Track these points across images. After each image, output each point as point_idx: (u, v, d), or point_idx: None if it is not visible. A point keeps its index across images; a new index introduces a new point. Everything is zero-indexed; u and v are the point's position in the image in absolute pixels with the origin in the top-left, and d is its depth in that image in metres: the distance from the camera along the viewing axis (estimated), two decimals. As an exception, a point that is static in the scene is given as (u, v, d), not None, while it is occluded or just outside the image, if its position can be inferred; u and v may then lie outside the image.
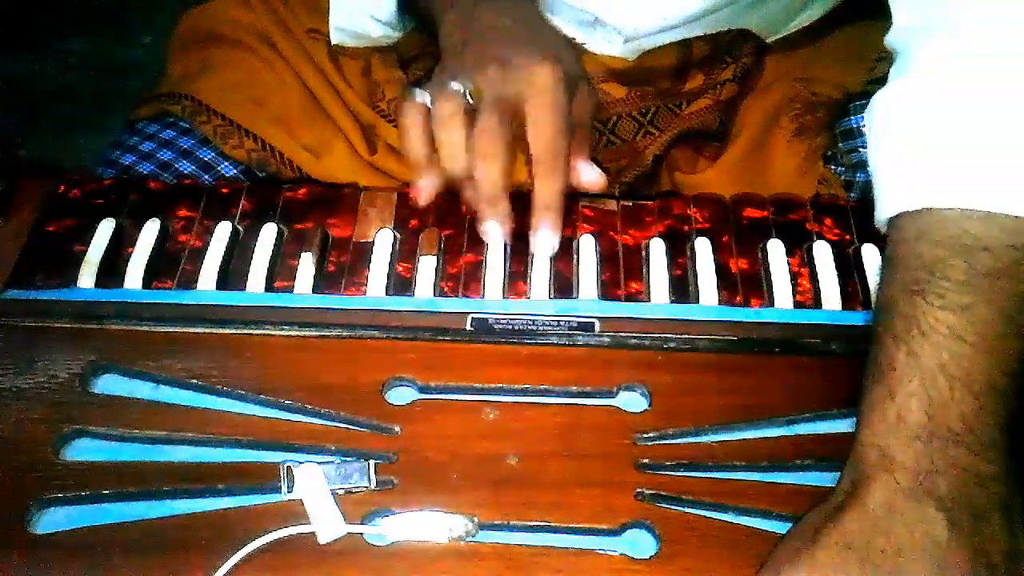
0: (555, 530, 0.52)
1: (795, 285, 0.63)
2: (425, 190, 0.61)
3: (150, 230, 0.65)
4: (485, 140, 0.58)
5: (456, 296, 0.62)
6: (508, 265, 0.64)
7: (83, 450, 0.56)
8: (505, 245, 0.64)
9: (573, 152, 0.61)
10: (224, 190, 0.68)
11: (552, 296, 0.62)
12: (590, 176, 0.63)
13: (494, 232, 0.61)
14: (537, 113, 0.59)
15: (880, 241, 0.56)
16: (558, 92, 0.59)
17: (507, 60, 0.60)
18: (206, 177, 0.77)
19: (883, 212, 0.55)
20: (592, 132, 0.67)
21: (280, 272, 0.64)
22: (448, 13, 0.68)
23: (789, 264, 0.63)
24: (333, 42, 0.78)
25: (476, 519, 0.52)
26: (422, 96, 0.60)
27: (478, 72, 0.60)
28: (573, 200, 0.67)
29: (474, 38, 0.64)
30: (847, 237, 0.65)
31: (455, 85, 0.59)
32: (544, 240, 0.61)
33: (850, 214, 0.66)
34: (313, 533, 0.51)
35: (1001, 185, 0.51)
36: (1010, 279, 0.50)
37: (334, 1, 0.75)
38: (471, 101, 0.59)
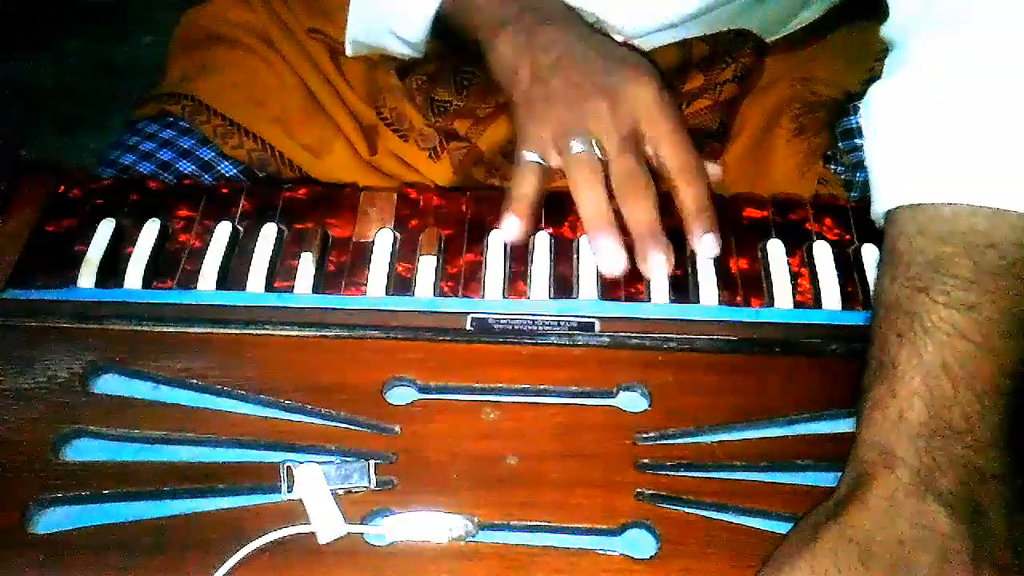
0: (555, 530, 0.52)
1: (795, 285, 0.63)
2: (514, 226, 0.62)
3: (150, 230, 0.65)
4: (629, 185, 0.60)
5: (456, 296, 0.62)
6: (508, 265, 0.64)
7: (83, 450, 0.56)
8: (505, 245, 0.64)
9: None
10: (224, 190, 0.68)
11: (552, 296, 0.62)
12: (714, 172, 0.65)
13: (661, 266, 0.60)
14: (659, 130, 0.61)
15: (881, 241, 0.56)
16: (666, 102, 0.62)
17: (606, 90, 0.62)
18: (206, 177, 0.77)
19: (881, 205, 0.55)
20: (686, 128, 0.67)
21: (280, 272, 0.64)
22: (498, 41, 0.66)
23: (789, 264, 0.63)
24: (348, 54, 0.77)
25: (476, 519, 0.52)
26: (531, 155, 0.62)
27: (588, 117, 0.61)
28: (573, 200, 0.67)
29: (552, 73, 0.64)
30: (847, 237, 0.65)
31: (579, 146, 0.61)
32: (707, 243, 0.62)
33: (850, 214, 0.66)
34: (313, 533, 0.51)
35: (1009, 182, 0.50)
36: (1016, 278, 0.50)
37: (354, 15, 0.74)
38: (602, 157, 0.61)
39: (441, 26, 0.71)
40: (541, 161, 0.62)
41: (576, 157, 0.61)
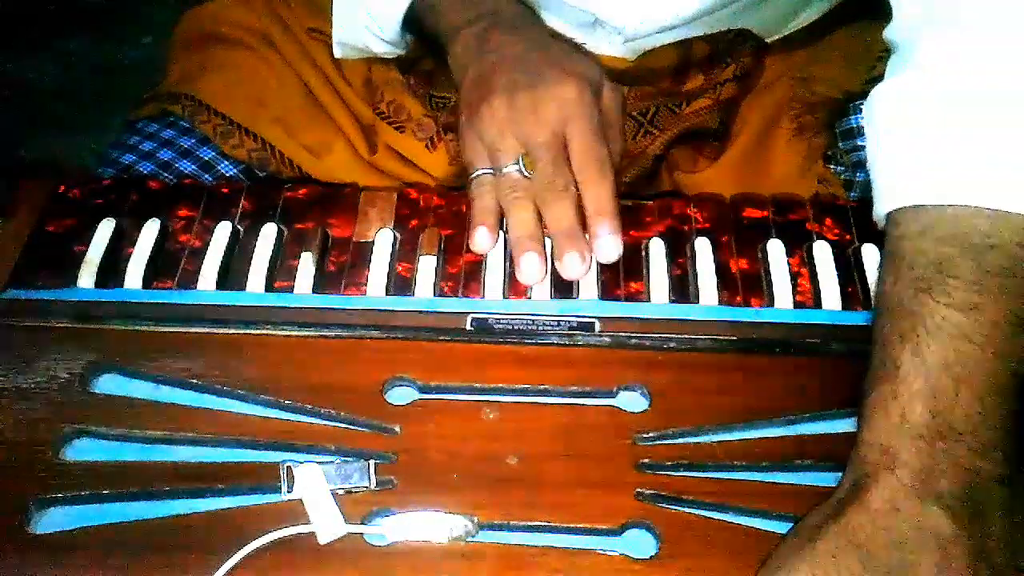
0: (555, 530, 0.52)
1: (795, 285, 0.63)
2: (485, 241, 0.63)
3: (150, 230, 0.65)
4: (547, 193, 0.62)
5: (456, 296, 0.62)
6: (508, 265, 0.64)
7: (83, 450, 0.56)
8: (505, 245, 0.64)
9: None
10: (224, 190, 0.68)
11: (552, 296, 0.62)
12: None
13: (575, 266, 0.61)
14: (572, 129, 0.62)
15: (881, 241, 0.56)
16: (583, 102, 0.62)
17: (530, 87, 0.63)
18: (206, 177, 0.77)
19: (883, 206, 0.55)
20: (624, 127, 0.69)
21: (280, 272, 0.64)
22: (455, 43, 0.68)
23: (789, 264, 0.63)
24: (336, 56, 0.78)
25: (476, 519, 0.52)
26: (484, 172, 0.64)
27: (515, 124, 0.63)
28: None
29: (488, 70, 0.65)
30: (847, 237, 0.65)
31: (508, 168, 0.63)
32: (606, 245, 0.62)
33: (850, 214, 0.66)
34: (313, 533, 0.51)
35: (1011, 183, 0.50)
36: (1018, 279, 0.49)
37: (336, 17, 0.75)
38: (527, 174, 0.62)
39: (415, 27, 0.73)
40: (490, 172, 0.64)
41: (504, 178, 0.63)
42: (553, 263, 0.62)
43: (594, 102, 0.63)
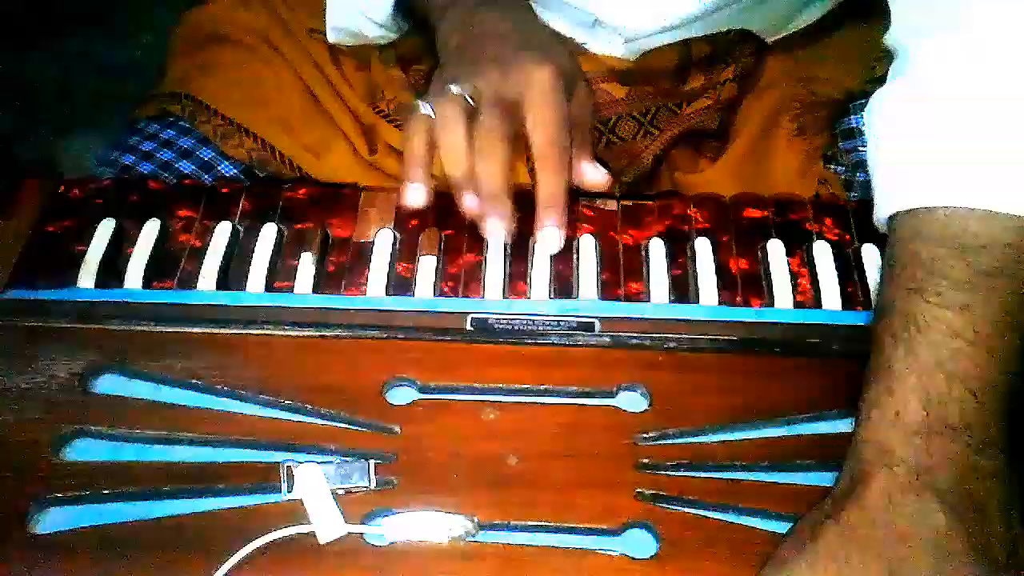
0: (555, 530, 0.52)
1: (795, 285, 0.63)
2: (415, 193, 0.60)
3: (150, 230, 0.65)
4: (485, 139, 0.58)
5: (456, 296, 0.62)
6: (508, 265, 0.64)
7: (83, 450, 0.56)
8: (506, 245, 0.64)
9: (575, 152, 0.62)
10: (224, 190, 0.68)
11: (552, 296, 0.62)
12: (594, 176, 0.63)
13: (496, 230, 0.60)
14: (536, 111, 0.59)
15: (880, 241, 0.56)
16: (556, 91, 0.60)
17: (505, 62, 0.61)
18: (206, 177, 0.77)
19: (882, 211, 0.56)
20: (592, 132, 0.67)
21: (280, 272, 0.64)
22: (445, 18, 0.68)
23: (789, 264, 0.63)
24: (330, 40, 0.78)
25: (476, 519, 0.52)
26: (425, 108, 0.60)
27: (477, 74, 0.61)
28: (573, 200, 0.67)
29: (472, 42, 0.64)
30: (847, 237, 0.65)
31: (455, 88, 0.59)
32: (549, 237, 0.61)
33: (850, 214, 0.66)
34: (313, 533, 0.51)
35: (1001, 184, 0.51)
36: (1008, 278, 0.50)
37: (330, 1, 0.75)
38: (472, 103, 0.59)
39: (408, 9, 0.73)
40: (430, 112, 0.60)
41: (446, 96, 0.59)
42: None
43: (563, 92, 0.61)
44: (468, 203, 0.61)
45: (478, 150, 0.58)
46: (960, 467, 0.48)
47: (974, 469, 0.48)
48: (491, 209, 0.60)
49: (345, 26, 0.76)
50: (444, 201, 0.67)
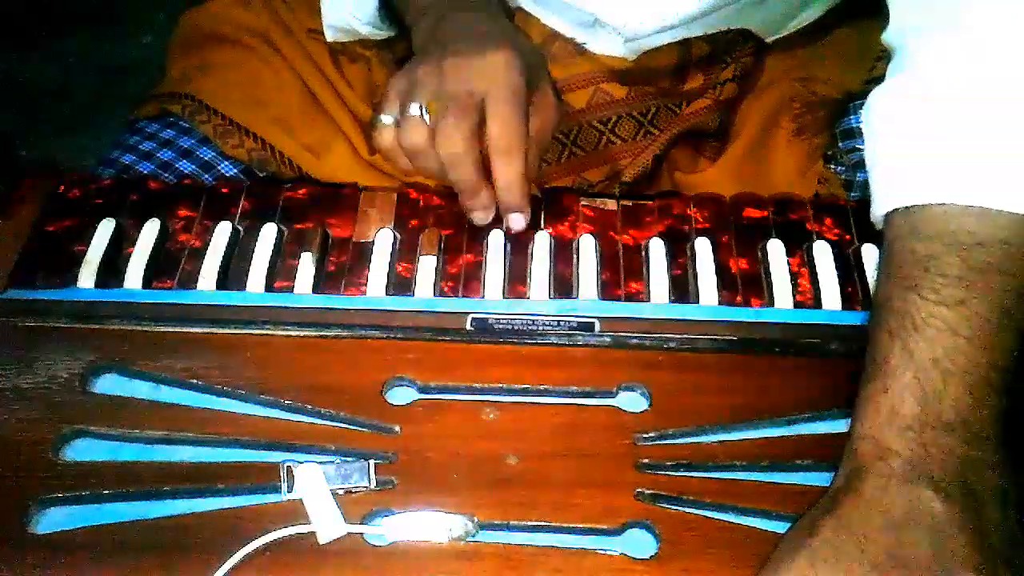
0: (555, 530, 0.52)
1: (795, 285, 0.63)
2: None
3: (150, 230, 0.65)
4: (445, 145, 0.61)
5: (456, 296, 0.62)
6: (508, 265, 0.64)
7: (83, 450, 0.56)
8: (505, 244, 0.64)
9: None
10: (224, 190, 0.68)
11: (552, 296, 0.62)
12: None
13: (482, 219, 0.65)
14: (492, 98, 0.61)
15: (880, 241, 0.56)
16: (511, 75, 0.62)
17: (464, 56, 0.63)
18: (206, 177, 0.77)
19: (879, 209, 0.56)
20: (549, 144, 0.69)
21: (280, 272, 0.64)
22: (419, 23, 0.69)
23: (789, 264, 0.63)
24: (328, 39, 0.78)
25: (476, 519, 0.52)
26: (388, 119, 0.64)
27: (432, 79, 0.63)
28: (574, 200, 0.68)
29: (436, 43, 0.65)
30: (847, 237, 0.65)
31: (413, 109, 0.62)
32: (513, 221, 0.65)
33: (850, 214, 0.66)
34: (313, 533, 0.51)
35: (996, 182, 0.51)
36: (1004, 274, 0.50)
37: (324, 2, 0.76)
38: (428, 121, 0.62)
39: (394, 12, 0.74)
40: (392, 118, 0.64)
41: (407, 121, 0.63)
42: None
43: (523, 75, 0.62)
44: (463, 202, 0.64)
45: (443, 158, 0.61)
46: (955, 460, 0.48)
47: (969, 462, 0.48)
48: (473, 203, 0.64)
49: (338, 24, 0.77)
50: (444, 201, 0.67)
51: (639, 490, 0.53)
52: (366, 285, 0.63)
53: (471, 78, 0.61)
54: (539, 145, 0.65)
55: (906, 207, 0.53)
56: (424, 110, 0.62)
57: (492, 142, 0.61)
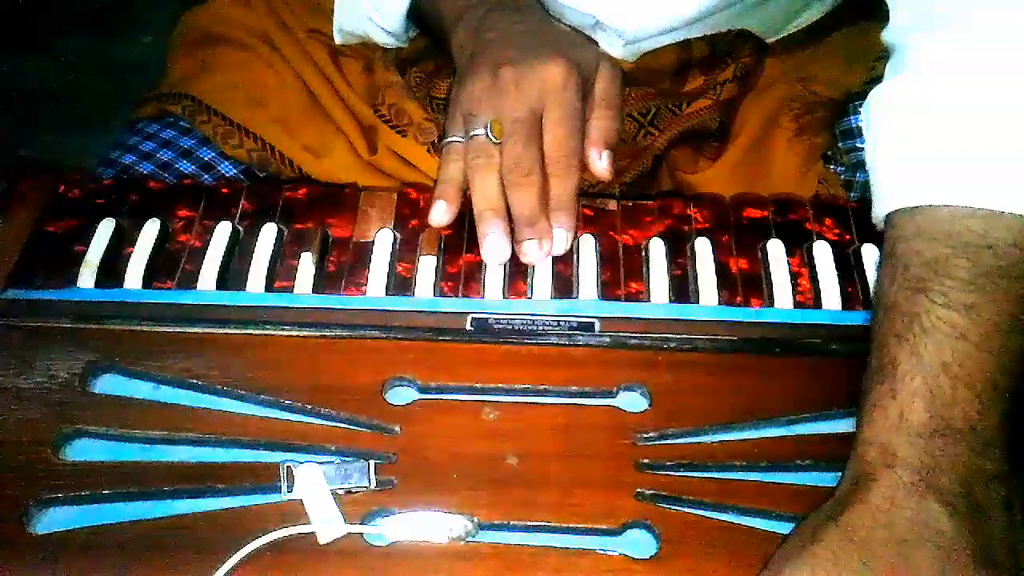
0: (555, 530, 0.52)
1: (795, 285, 0.63)
2: (441, 210, 0.64)
3: (150, 230, 0.65)
4: (514, 171, 0.61)
5: (456, 296, 0.62)
6: (508, 265, 0.64)
7: (83, 450, 0.56)
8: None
9: (594, 136, 0.64)
10: (224, 190, 0.68)
11: (552, 296, 0.62)
12: (596, 166, 0.65)
13: (534, 253, 0.63)
14: (550, 116, 0.62)
15: (881, 241, 0.56)
16: (568, 91, 0.62)
17: (518, 70, 0.63)
18: (206, 177, 0.77)
19: (881, 208, 0.55)
20: (621, 108, 0.68)
21: (280, 272, 0.64)
22: (458, 27, 0.69)
23: (789, 264, 0.63)
24: (337, 42, 0.78)
25: (476, 519, 0.52)
26: (453, 137, 0.65)
27: (493, 101, 0.63)
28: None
29: (485, 49, 0.65)
30: (847, 237, 0.65)
31: (479, 132, 0.62)
32: (558, 238, 0.63)
33: (850, 214, 0.66)
34: (313, 533, 0.51)
35: (1004, 183, 0.51)
36: (1013, 278, 0.50)
37: (338, 6, 0.76)
38: (496, 141, 0.62)
39: (418, 17, 0.74)
40: (460, 140, 0.64)
41: (472, 142, 0.63)
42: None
43: (579, 89, 0.63)
44: (491, 239, 0.63)
45: (508, 184, 0.62)
46: (963, 469, 0.48)
47: (977, 471, 0.48)
48: (530, 232, 0.62)
49: (352, 30, 0.76)
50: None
51: (639, 490, 0.53)
52: (366, 285, 0.63)
53: (529, 95, 0.62)
54: (605, 140, 0.65)
55: (910, 207, 0.53)
56: (489, 130, 0.62)
57: (549, 156, 0.62)
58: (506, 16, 0.67)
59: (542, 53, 0.63)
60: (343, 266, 0.64)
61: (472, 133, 0.63)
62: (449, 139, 0.65)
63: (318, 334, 0.60)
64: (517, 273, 0.63)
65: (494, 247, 0.62)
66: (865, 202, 0.59)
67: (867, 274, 0.63)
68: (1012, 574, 0.47)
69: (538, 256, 0.62)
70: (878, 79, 0.58)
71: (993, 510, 0.48)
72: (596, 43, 0.72)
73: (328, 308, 0.61)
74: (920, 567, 0.46)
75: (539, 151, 0.62)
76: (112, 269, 0.63)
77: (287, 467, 0.53)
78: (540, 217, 0.62)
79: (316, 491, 0.52)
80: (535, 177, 0.62)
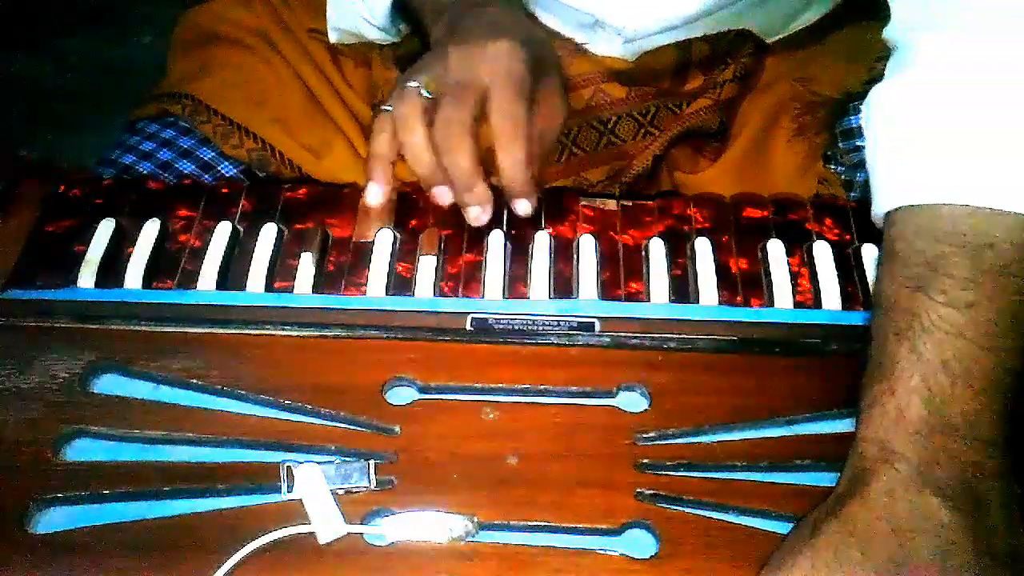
0: (555, 530, 0.52)
1: (795, 285, 0.63)
2: (373, 191, 0.64)
3: (150, 230, 0.65)
4: (444, 131, 0.60)
5: (456, 296, 0.62)
6: (508, 265, 0.64)
7: (83, 450, 0.56)
8: (505, 244, 0.64)
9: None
10: (224, 190, 0.68)
11: (552, 296, 0.62)
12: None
13: (478, 215, 0.63)
14: (494, 85, 0.60)
15: (881, 241, 0.56)
16: (515, 63, 0.61)
17: (469, 43, 0.62)
18: (206, 177, 0.77)
19: (881, 206, 0.55)
20: (556, 140, 0.67)
21: (280, 272, 0.64)
22: (437, 23, 0.68)
23: (789, 264, 0.63)
24: (332, 40, 0.78)
25: (476, 519, 0.52)
26: (387, 107, 0.62)
27: (437, 63, 0.62)
28: (574, 200, 0.68)
29: (450, 37, 0.65)
30: (847, 237, 0.65)
31: (411, 84, 0.61)
32: (519, 205, 0.63)
33: (850, 214, 0.66)
34: (313, 533, 0.51)
35: (1005, 182, 0.51)
36: (1013, 276, 0.50)
37: (331, 2, 0.76)
38: (429, 96, 0.61)
39: (407, 14, 0.74)
40: (389, 108, 0.63)
41: (403, 93, 0.62)
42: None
43: (524, 72, 0.61)
44: (440, 198, 0.63)
45: (439, 145, 0.60)
46: (961, 465, 0.48)
47: (975, 467, 0.48)
48: (468, 198, 0.62)
49: (345, 28, 0.77)
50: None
51: (639, 490, 0.53)
52: (366, 285, 0.63)
53: (474, 66, 0.61)
54: (544, 140, 0.64)
55: (910, 206, 0.53)
56: (424, 88, 0.61)
57: (494, 129, 0.60)
58: (479, 12, 0.66)
59: (495, 33, 0.62)
60: (343, 266, 0.64)
61: (406, 86, 0.61)
62: (382, 108, 0.63)
63: (318, 334, 0.60)
64: (517, 273, 0.63)
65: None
66: (865, 202, 0.59)
67: (867, 274, 0.63)
68: (1011, 570, 0.47)
69: (482, 218, 0.63)
70: (878, 79, 0.58)
71: (992, 504, 0.48)
72: (583, 52, 0.72)
73: (328, 308, 0.61)
74: (920, 557, 0.46)
75: (471, 113, 0.60)
76: (112, 269, 0.63)
77: (287, 467, 0.53)
78: (477, 182, 0.61)
79: (316, 491, 0.52)
80: (466, 141, 0.59)
